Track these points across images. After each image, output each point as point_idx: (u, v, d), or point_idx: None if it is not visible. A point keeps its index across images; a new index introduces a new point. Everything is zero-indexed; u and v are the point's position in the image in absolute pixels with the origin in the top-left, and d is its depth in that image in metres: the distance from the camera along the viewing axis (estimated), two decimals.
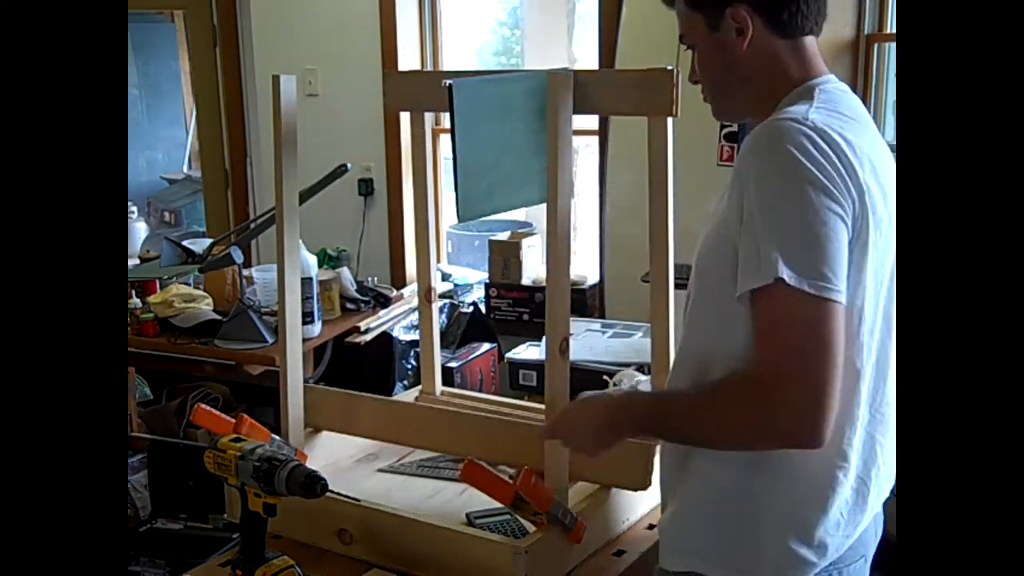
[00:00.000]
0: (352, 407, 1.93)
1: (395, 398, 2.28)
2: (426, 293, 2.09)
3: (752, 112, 1.37)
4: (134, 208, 4.82)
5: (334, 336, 3.34)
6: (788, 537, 1.29)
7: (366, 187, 4.11)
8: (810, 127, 1.21)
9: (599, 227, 3.51)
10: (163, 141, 6.64)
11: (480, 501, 1.64)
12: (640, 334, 3.04)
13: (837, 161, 1.20)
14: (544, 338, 3.13)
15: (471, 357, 3.38)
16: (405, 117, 2.55)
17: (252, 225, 3.18)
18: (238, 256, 2.96)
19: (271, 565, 1.48)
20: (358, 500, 1.58)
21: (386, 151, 4.08)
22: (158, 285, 3.43)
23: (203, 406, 1.69)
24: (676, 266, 1.74)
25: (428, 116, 2.03)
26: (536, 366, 3.04)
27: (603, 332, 3.12)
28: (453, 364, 3.26)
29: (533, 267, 3.85)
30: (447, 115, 1.77)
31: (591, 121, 3.58)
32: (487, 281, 3.84)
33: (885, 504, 1.45)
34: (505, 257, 3.80)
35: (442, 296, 3.65)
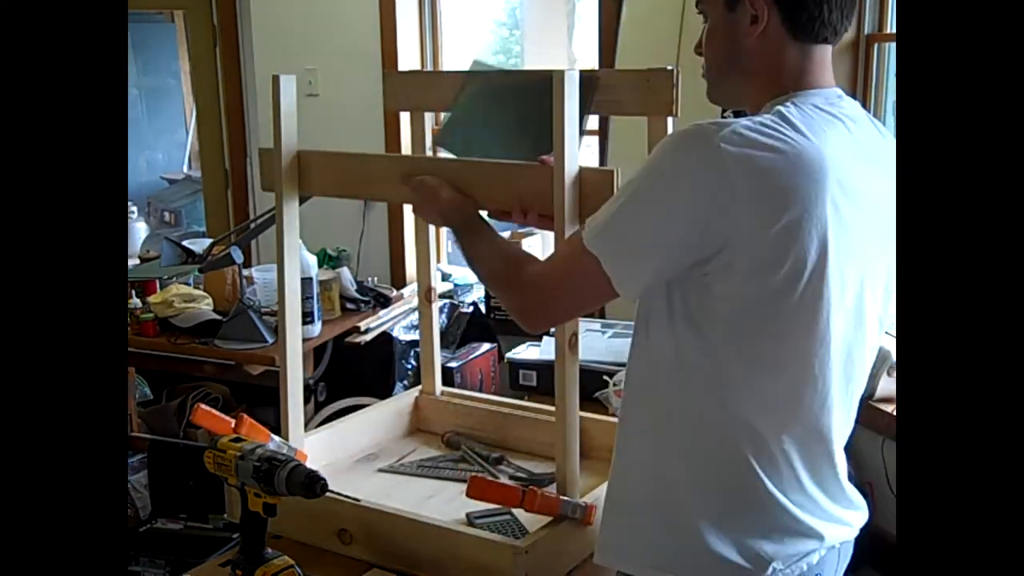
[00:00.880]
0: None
1: None
2: (426, 293, 2.09)
3: (744, 104, 1.37)
4: (134, 208, 4.82)
5: (334, 336, 3.34)
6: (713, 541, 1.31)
7: None
8: (718, 145, 1.19)
9: None
10: (163, 141, 6.65)
11: (481, 501, 1.64)
12: None
13: (713, 189, 1.19)
14: (544, 338, 3.15)
15: (471, 357, 3.38)
16: (405, 117, 2.55)
17: (252, 225, 3.18)
18: (238, 256, 2.96)
19: (271, 565, 1.48)
20: (358, 500, 1.58)
21: (386, 151, 4.08)
22: (158, 285, 3.43)
23: (203, 406, 1.69)
24: None
25: (428, 116, 2.03)
26: (536, 366, 3.04)
27: (603, 332, 3.12)
28: (453, 364, 3.26)
29: None
30: (447, 115, 1.77)
31: (591, 121, 3.58)
32: None
33: (885, 504, 1.45)
34: None
35: (442, 296, 3.65)
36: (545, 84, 1.50)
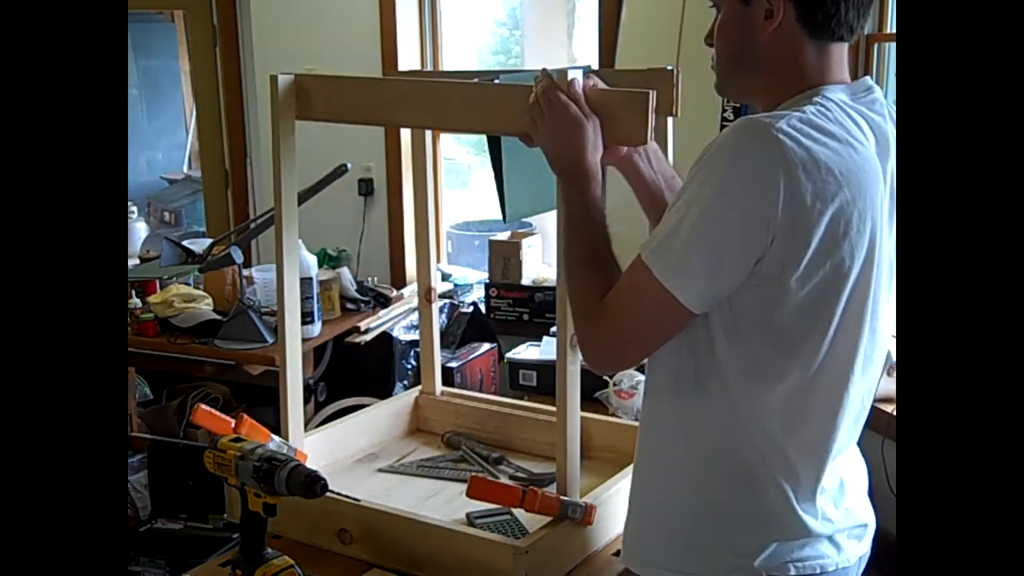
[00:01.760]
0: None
1: None
2: (426, 293, 2.09)
3: (755, 99, 1.35)
4: (134, 208, 4.82)
5: (334, 336, 3.34)
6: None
7: (366, 187, 4.11)
8: (777, 138, 1.18)
9: None
10: (163, 141, 6.65)
11: (481, 501, 1.64)
12: None
13: (779, 183, 1.17)
14: (544, 338, 3.15)
15: (471, 357, 3.38)
16: None
17: (252, 225, 3.18)
18: (238, 256, 2.96)
19: (271, 565, 1.47)
20: (358, 500, 1.58)
21: (386, 151, 4.08)
22: (158, 285, 3.43)
23: (203, 406, 1.69)
24: None
25: None
26: (536, 366, 3.04)
27: None
28: (453, 364, 3.26)
29: (533, 267, 3.84)
30: (502, 191, 1.74)
31: None
32: (487, 281, 3.84)
33: (885, 504, 1.45)
34: (505, 257, 3.80)
35: (442, 296, 3.65)
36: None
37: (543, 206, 1.73)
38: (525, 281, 3.78)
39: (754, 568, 1.30)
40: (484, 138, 1.73)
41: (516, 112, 1.52)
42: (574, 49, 4.80)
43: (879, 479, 2.51)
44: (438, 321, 2.19)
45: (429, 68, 4.07)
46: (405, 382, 3.45)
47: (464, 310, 3.74)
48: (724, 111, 3.07)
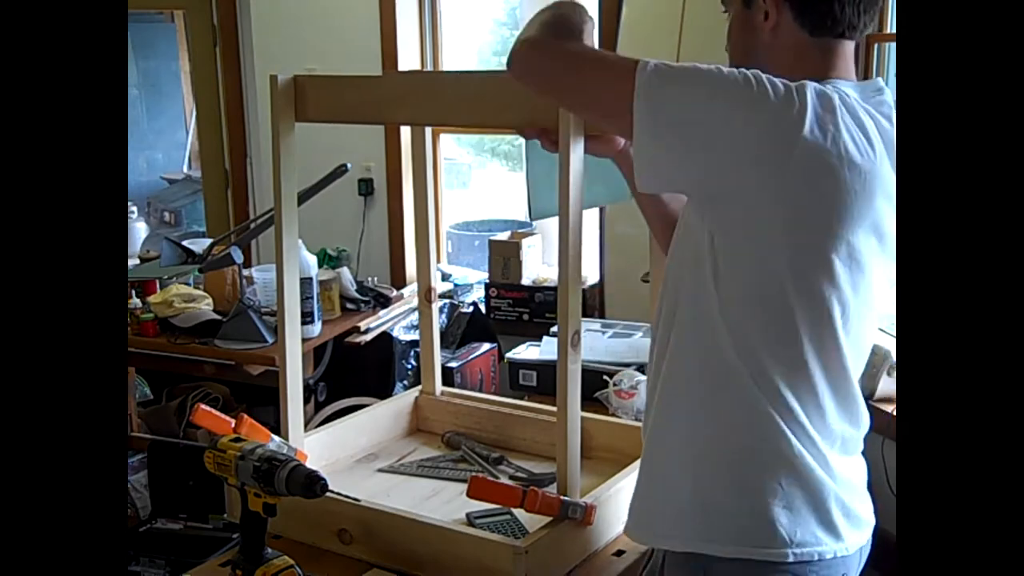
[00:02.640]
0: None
1: None
2: (426, 293, 2.09)
3: None
4: (134, 208, 4.83)
5: (334, 336, 3.34)
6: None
7: (366, 187, 4.11)
8: (835, 91, 1.21)
9: (599, 227, 3.51)
10: (163, 141, 6.66)
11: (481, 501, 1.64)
12: (640, 334, 3.04)
13: (798, 98, 1.19)
14: (545, 338, 3.15)
15: (471, 357, 3.38)
16: None
17: (252, 225, 3.18)
18: (238, 256, 2.97)
19: (271, 565, 1.48)
20: (358, 500, 1.58)
21: (386, 151, 4.08)
22: (158, 285, 3.43)
23: (203, 406, 1.69)
24: None
25: None
26: (536, 366, 3.04)
27: (603, 332, 3.12)
28: (453, 364, 3.27)
29: (533, 267, 3.85)
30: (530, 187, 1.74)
31: None
32: (487, 281, 3.84)
33: (885, 504, 1.45)
34: (505, 257, 3.80)
35: (442, 296, 3.65)
36: None
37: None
38: (525, 281, 3.78)
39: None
40: (484, 138, 1.73)
41: (511, 105, 1.52)
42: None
43: (879, 479, 2.50)
44: (438, 321, 2.19)
45: (429, 68, 4.07)
46: (405, 382, 3.45)
47: (464, 310, 3.74)
48: None
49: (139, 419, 3.75)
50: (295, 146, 1.75)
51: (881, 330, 3.05)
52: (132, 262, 3.80)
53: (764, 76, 1.21)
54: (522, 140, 1.67)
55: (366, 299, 3.52)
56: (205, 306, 3.28)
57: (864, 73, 3.10)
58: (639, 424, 2.07)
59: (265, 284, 3.36)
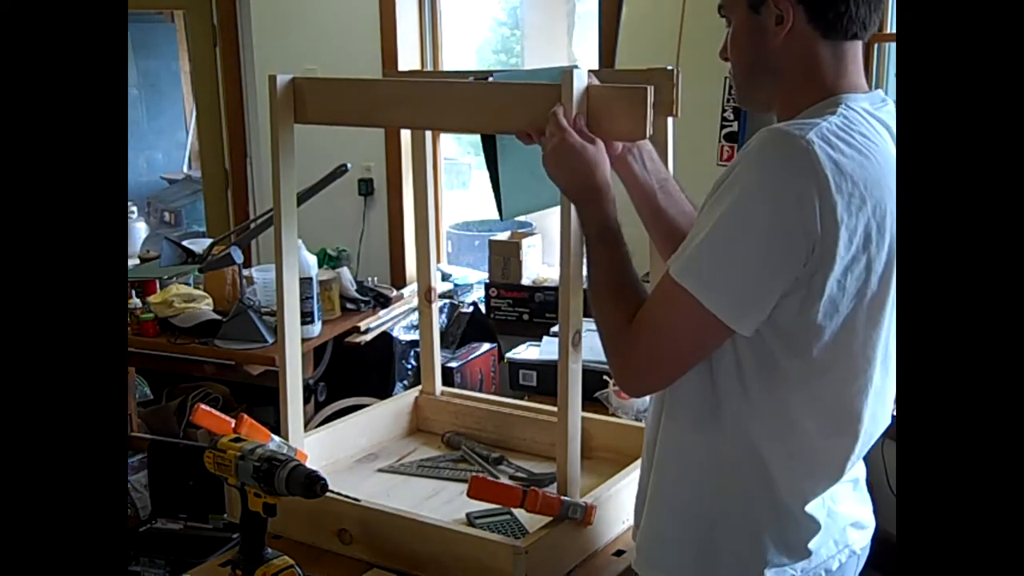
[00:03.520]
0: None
1: None
2: (426, 293, 2.09)
3: (775, 109, 1.33)
4: (134, 208, 4.83)
5: (334, 336, 3.34)
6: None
7: (366, 187, 4.11)
8: (809, 148, 1.16)
9: None
10: (163, 141, 6.66)
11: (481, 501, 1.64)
12: None
13: (814, 194, 1.16)
14: (544, 338, 3.15)
15: (471, 357, 3.38)
16: None
17: (252, 225, 3.18)
18: (238, 256, 2.96)
19: (271, 565, 1.48)
20: (358, 500, 1.58)
21: (386, 151, 4.08)
22: (158, 285, 3.43)
23: (203, 406, 1.69)
24: None
25: None
26: (536, 366, 3.04)
27: None
28: (453, 364, 3.26)
29: (533, 267, 3.84)
30: (498, 188, 1.74)
31: None
32: (487, 281, 3.84)
33: (885, 504, 1.45)
34: (505, 257, 3.80)
35: (442, 296, 3.65)
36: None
37: (539, 204, 1.73)
38: (525, 281, 3.78)
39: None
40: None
41: (509, 110, 1.52)
42: (574, 49, 4.80)
43: (879, 479, 2.51)
44: (438, 321, 2.19)
45: (429, 68, 4.07)
46: (405, 382, 3.45)
47: (464, 310, 3.74)
48: (724, 111, 3.07)
49: (139, 419, 3.74)
50: (295, 146, 1.75)
51: None
52: (132, 262, 3.80)
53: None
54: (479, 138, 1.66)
55: (366, 299, 3.52)
56: (205, 306, 3.28)
57: (864, 73, 3.09)
58: (639, 424, 2.07)
59: (265, 284, 3.36)
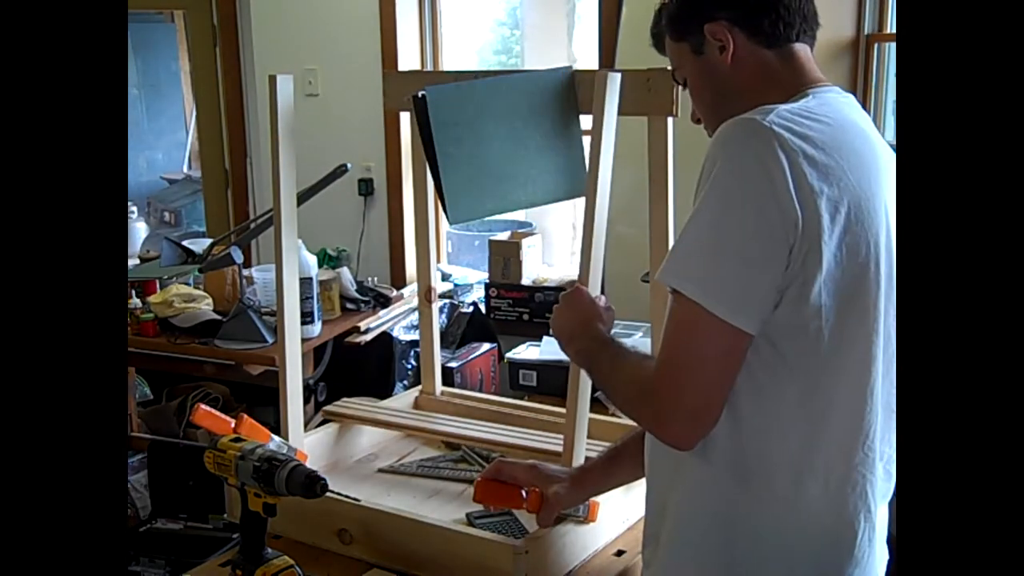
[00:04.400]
0: None
1: None
2: (426, 293, 2.09)
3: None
4: (134, 208, 4.83)
5: (334, 336, 3.34)
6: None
7: (366, 187, 4.11)
8: (769, 129, 1.16)
9: None
10: (163, 141, 6.66)
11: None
12: (640, 334, 3.04)
13: (783, 172, 1.14)
14: (544, 338, 3.15)
15: (471, 357, 3.38)
16: (405, 117, 2.55)
17: (252, 225, 3.18)
18: (238, 256, 2.96)
19: (271, 565, 1.47)
20: (358, 500, 1.58)
21: (386, 151, 4.08)
22: (158, 285, 3.43)
23: (203, 406, 1.69)
24: None
25: None
26: (536, 366, 3.04)
27: None
28: (453, 364, 3.27)
29: (533, 267, 3.85)
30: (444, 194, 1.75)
31: (584, 121, 3.58)
32: (487, 281, 3.84)
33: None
34: (505, 257, 3.80)
35: (442, 296, 3.65)
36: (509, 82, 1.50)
37: (488, 209, 1.74)
38: (525, 281, 3.78)
39: None
40: None
41: None
42: (574, 49, 4.80)
43: None
44: (438, 321, 2.19)
45: (429, 68, 4.07)
46: (405, 382, 3.45)
47: (464, 310, 3.74)
48: None
49: (139, 419, 3.75)
50: (294, 146, 1.75)
51: None
52: (132, 262, 3.80)
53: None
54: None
55: (366, 299, 3.52)
56: (205, 306, 3.28)
57: (864, 73, 3.10)
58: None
59: (265, 284, 3.36)
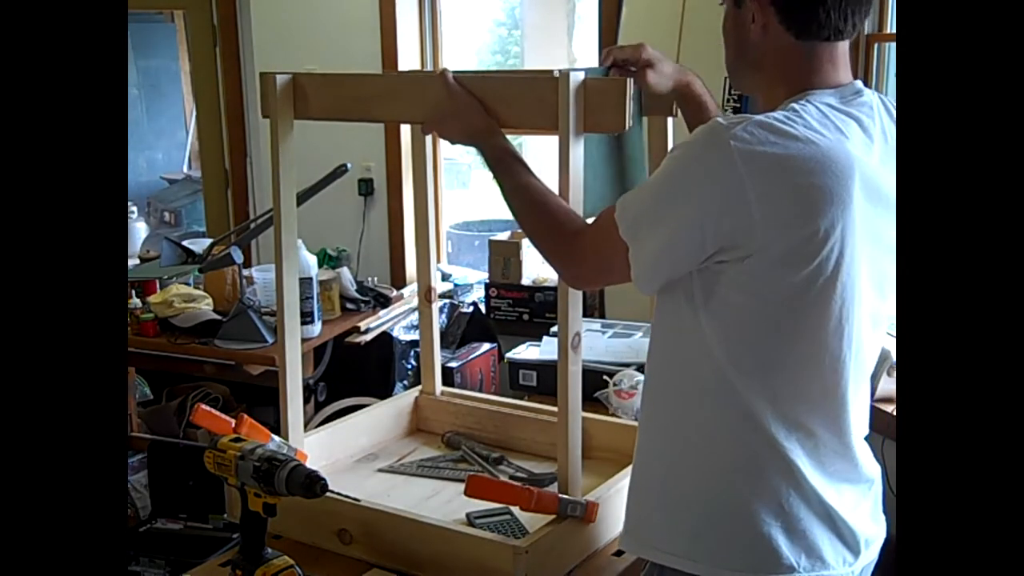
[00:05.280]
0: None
1: None
2: (426, 293, 2.09)
3: (757, 95, 1.38)
4: (134, 208, 4.83)
5: (334, 336, 3.34)
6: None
7: (366, 187, 4.11)
8: (728, 139, 1.20)
9: None
10: (163, 141, 6.66)
11: (480, 501, 1.64)
12: (640, 334, 3.04)
13: (728, 181, 1.20)
14: (545, 338, 3.15)
15: (471, 357, 3.38)
16: None
17: (252, 225, 3.18)
18: (238, 256, 2.96)
19: (271, 565, 1.48)
20: (358, 500, 1.58)
21: (386, 151, 4.08)
22: (158, 285, 3.43)
23: (203, 406, 1.69)
24: None
25: None
26: (536, 366, 3.04)
27: (603, 332, 3.12)
28: (453, 364, 3.26)
29: (533, 267, 3.85)
30: None
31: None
32: (487, 281, 3.84)
33: (885, 505, 1.45)
34: (505, 257, 3.80)
35: (442, 296, 3.65)
36: None
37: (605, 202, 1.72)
38: (525, 281, 3.78)
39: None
40: None
41: (511, 103, 1.55)
42: (574, 49, 4.80)
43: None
44: (438, 321, 2.19)
45: (429, 68, 4.07)
46: (405, 382, 3.45)
47: (464, 310, 3.74)
48: (724, 110, 3.07)
49: (139, 419, 3.74)
50: (294, 146, 1.75)
51: None
52: (132, 262, 3.80)
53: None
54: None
55: (366, 299, 3.52)
56: (205, 306, 3.28)
57: (864, 73, 3.10)
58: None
59: (265, 284, 3.36)
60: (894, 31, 3.10)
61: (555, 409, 1.61)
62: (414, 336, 3.42)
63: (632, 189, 1.38)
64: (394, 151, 4.06)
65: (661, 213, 1.27)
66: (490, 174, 1.55)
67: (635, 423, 2.10)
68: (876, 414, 2.50)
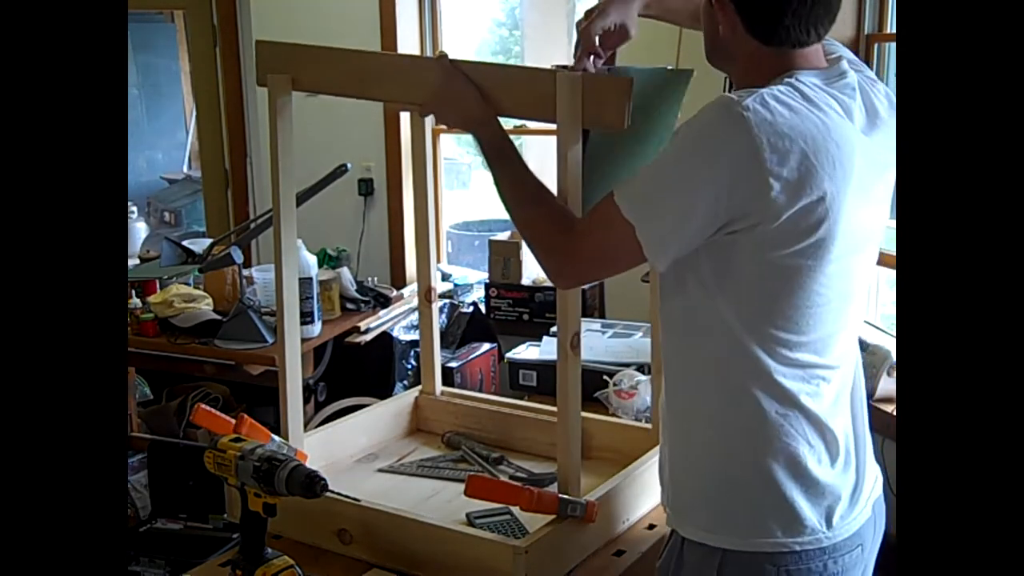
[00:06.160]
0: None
1: None
2: (426, 293, 2.09)
3: (736, 80, 1.41)
4: (134, 208, 4.82)
5: (334, 336, 3.34)
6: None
7: (366, 187, 4.11)
8: (742, 112, 1.23)
9: None
10: (163, 141, 6.66)
11: (480, 501, 1.64)
12: (640, 334, 3.04)
13: (745, 155, 1.22)
14: (545, 338, 3.15)
15: (471, 357, 3.37)
16: (405, 117, 2.55)
17: (252, 225, 3.18)
18: (238, 256, 2.96)
19: (271, 565, 1.47)
20: (358, 500, 1.58)
21: (386, 151, 4.08)
22: (158, 285, 3.43)
23: (203, 406, 1.69)
24: None
25: (429, 117, 2.03)
26: (536, 366, 3.04)
27: (603, 332, 3.12)
28: (453, 364, 3.26)
29: (533, 267, 3.84)
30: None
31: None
32: (487, 281, 3.84)
33: (884, 502, 1.45)
34: (505, 257, 3.80)
35: (442, 296, 3.65)
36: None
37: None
38: (525, 281, 3.78)
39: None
40: None
41: (506, 92, 1.55)
42: (574, 49, 4.80)
43: None
44: (438, 321, 2.19)
45: None
46: (405, 382, 3.45)
47: (464, 310, 3.74)
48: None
49: (139, 419, 3.74)
50: (293, 146, 1.75)
51: (881, 330, 3.06)
52: (132, 262, 3.80)
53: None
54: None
55: (366, 299, 3.52)
56: (205, 306, 3.28)
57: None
58: (639, 424, 2.07)
59: (265, 284, 3.36)
60: (894, 31, 3.10)
61: (555, 409, 1.60)
62: (414, 336, 3.42)
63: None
64: (394, 151, 4.06)
65: (674, 186, 1.28)
66: (485, 164, 1.54)
67: (635, 423, 2.10)
68: (876, 414, 2.51)
